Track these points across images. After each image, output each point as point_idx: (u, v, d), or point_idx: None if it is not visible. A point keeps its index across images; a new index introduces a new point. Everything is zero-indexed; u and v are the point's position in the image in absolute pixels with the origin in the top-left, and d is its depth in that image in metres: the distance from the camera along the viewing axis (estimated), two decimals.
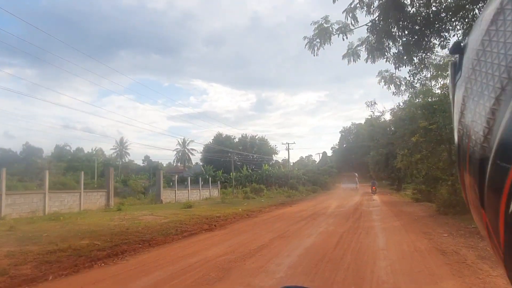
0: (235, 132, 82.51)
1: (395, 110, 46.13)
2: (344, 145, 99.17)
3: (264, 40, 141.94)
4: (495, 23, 0.48)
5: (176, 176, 36.03)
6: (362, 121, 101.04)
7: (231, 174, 73.76)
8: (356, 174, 65.52)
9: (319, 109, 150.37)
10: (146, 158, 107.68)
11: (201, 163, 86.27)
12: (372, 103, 27.82)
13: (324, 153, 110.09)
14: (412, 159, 27.82)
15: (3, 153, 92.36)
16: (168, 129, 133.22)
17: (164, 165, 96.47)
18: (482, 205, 0.47)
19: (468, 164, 0.55)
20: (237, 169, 75.32)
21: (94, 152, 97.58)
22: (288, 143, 69.19)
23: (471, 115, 0.53)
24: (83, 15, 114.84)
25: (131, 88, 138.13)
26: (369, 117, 47.32)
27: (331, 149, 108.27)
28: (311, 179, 69.03)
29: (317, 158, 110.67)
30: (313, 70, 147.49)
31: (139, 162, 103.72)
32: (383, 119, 49.33)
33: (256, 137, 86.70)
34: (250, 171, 71.49)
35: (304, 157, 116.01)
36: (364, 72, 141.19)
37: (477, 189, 0.49)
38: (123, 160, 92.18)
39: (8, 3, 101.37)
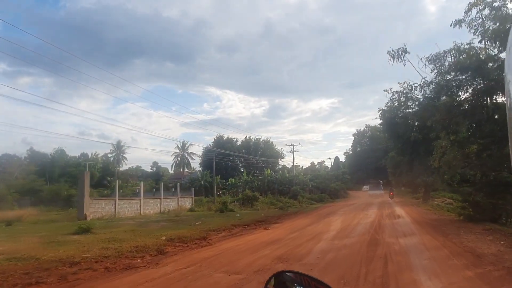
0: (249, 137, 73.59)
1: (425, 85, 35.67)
2: (358, 149, 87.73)
3: (277, 46, 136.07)
4: None
5: (142, 184, 25.91)
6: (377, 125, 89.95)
7: (229, 180, 63.72)
8: (381, 181, 59.03)
9: (332, 115, 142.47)
10: (155, 164, 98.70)
11: (200, 168, 76.49)
12: (401, 53, 17.11)
13: (337, 158, 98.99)
14: (465, 151, 17.20)
15: (8, 158, 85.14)
16: (182, 136, 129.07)
17: (172, 171, 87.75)
18: None
19: None
20: (239, 174, 64.99)
21: (95, 157, 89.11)
22: (293, 145, 58.69)
23: None
24: (99, 25, 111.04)
25: (145, 96, 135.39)
26: (386, 107, 36.58)
27: (344, 154, 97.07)
28: (319, 186, 58.17)
29: (330, 164, 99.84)
30: (327, 76, 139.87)
31: (147, 168, 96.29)
32: (406, 105, 38.43)
33: (261, 139, 76.33)
34: (250, 176, 61.09)
35: (315, 162, 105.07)
36: (378, 78, 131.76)
37: None
38: (120, 165, 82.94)
39: (27, 14, 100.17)
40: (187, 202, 29.32)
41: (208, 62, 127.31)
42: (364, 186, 74.66)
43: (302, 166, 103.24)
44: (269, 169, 60.86)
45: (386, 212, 23.07)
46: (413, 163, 35.46)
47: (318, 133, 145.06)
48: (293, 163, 59.37)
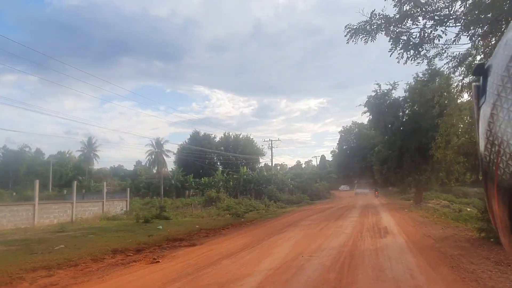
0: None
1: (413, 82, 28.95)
2: (344, 147, 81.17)
3: (266, 46, 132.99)
4: None
5: (37, 183, 18.88)
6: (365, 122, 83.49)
7: (202, 179, 56.66)
8: (366, 181, 59.93)
9: (321, 115, 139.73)
10: (138, 163, 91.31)
11: (175, 167, 69.28)
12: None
13: (323, 157, 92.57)
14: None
15: None
16: (170, 135, 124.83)
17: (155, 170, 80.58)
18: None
19: (496, 191, 0.50)
20: (216, 173, 57.94)
21: (69, 155, 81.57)
22: (271, 140, 51.90)
23: (498, 142, 0.49)
24: (86, 22, 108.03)
25: (133, 95, 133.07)
26: (375, 93, 29.88)
27: (331, 152, 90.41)
28: (299, 186, 51.43)
29: (317, 163, 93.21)
30: (315, 76, 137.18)
31: (131, 167, 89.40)
32: (392, 96, 31.79)
33: (240, 136, 69.39)
34: (225, 175, 54.14)
35: (302, 162, 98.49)
36: (366, 79, 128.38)
37: (507, 217, 0.48)
38: (94, 164, 75.41)
39: (13, 11, 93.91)
40: (118, 206, 22.26)
41: (197, 61, 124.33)
42: (342, 186, 71.29)
43: (286, 165, 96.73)
44: (245, 167, 53.90)
45: (368, 221, 16.25)
46: (403, 158, 28.80)
47: (307, 133, 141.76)
48: (271, 161, 52.61)
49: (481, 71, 0.56)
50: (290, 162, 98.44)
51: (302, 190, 49.69)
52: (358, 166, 74.12)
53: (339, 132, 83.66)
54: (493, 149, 0.49)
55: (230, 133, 69.14)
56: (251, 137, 68.12)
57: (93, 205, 20.25)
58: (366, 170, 64.65)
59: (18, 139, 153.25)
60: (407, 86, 29.54)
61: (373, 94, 30.10)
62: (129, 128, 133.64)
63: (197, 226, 15.77)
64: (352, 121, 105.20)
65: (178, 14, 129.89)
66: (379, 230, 12.95)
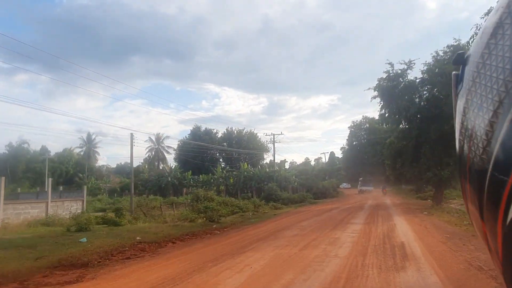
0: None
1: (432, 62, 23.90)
2: (354, 143, 75.73)
3: (276, 43, 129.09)
4: (494, 36, 0.43)
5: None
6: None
7: (200, 176, 52.24)
8: (371, 178, 56.68)
9: (331, 112, 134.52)
10: (146, 161, 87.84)
11: (176, 164, 65.03)
12: None
13: (332, 153, 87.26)
14: None
15: None
16: (180, 133, 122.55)
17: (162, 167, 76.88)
18: (482, 216, 0.46)
19: (468, 175, 0.50)
20: (218, 168, 53.39)
21: (70, 152, 78.15)
22: (274, 134, 47.12)
23: (471, 126, 0.49)
24: (96, 21, 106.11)
25: (143, 93, 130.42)
26: (386, 74, 24.78)
27: (341, 149, 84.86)
28: (305, 183, 46.57)
29: (325, 160, 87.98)
30: (325, 73, 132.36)
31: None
32: (408, 77, 26.59)
33: (244, 131, 64.72)
34: (225, 172, 49.64)
35: (310, 159, 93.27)
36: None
37: (477, 200, 0.47)
38: (91, 161, 71.80)
39: (23, 11, 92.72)
40: (71, 207, 17.84)
41: (206, 59, 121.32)
42: (343, 184, 67.49)
43: (295, 163, 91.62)
44: (246, 164, 49.29)
45: (377, 232, 11.37)
46: (420, 150, 23.71)
47: (317, 130, 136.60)
48: (274, 156, 47.75)
49: (461, 60, 0.50)
50: (300, 160, 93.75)
51: (307, 188, 44.88)
52: (368, 162, 68.66)
53: (348, 127, 78.27)
54: (466, 133, 0.41)
55: (233, 128, 64.47)
56: (255, 132, 63.22)
57: (32, 206, 15.88)
58: (377, 167, 59.30)
59: (30, 138, 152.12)
60: (425, 67, 24.38)
61: (385, 75, 25.06)
62: (139, 126, 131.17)
63: (138, 238, 11.21)
64: (363, 115, 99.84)
65: (187, 11, 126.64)
66: (393, 252, 8.11)
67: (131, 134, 24.31)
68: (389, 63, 24.63)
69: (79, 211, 18.11)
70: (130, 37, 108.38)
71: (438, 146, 22.43)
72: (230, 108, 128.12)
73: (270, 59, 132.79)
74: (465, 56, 0.63)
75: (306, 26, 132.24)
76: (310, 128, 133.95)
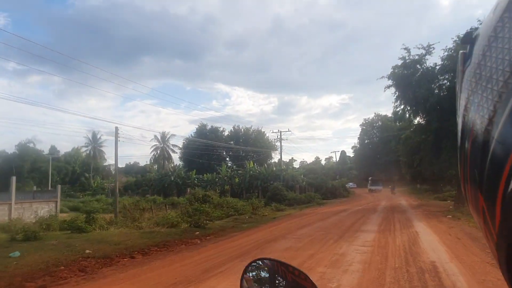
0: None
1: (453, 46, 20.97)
2: (366, 141, 72.43)
3: (287, 43, 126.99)
4: (509, 10, 0.44)
5: None
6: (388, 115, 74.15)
7: (204, 175, 49.81)
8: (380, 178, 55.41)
9: (343, 112, 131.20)
10: (153, 160, 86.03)
11: (181, 162, 62.78)
12: None
13: (343, 152, 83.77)
14: None
15: None
16: (190, 133, 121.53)
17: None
18: (481, 189, 0.46)
19: (470, 148, 0.51)
20: (223, 167, 50.91)
21: (77, 151, 76.82)
22: (280, 131, 44.37)
23: (478, 100, 0.49)
24: (107, 22, 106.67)
25: (154, 93, 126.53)
26: (402, 61, 21.79)
27: (352, 148, 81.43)
28: (313, 183, 43.65)
29: (336, 159, 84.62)
30: (337, 72, 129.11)
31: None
32: (426, 64, 23.60)
33: (251, 128, 62.11)
34: (229, 171, 47.11)
35: (321, 158, 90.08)
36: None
37: (477, 173, 0.47)
38: (97, 160, 70.18)
39: (36, 13, 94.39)
40: (43, 209, 15.46)
41: (217, 59, 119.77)
42: (349, 183, 62.81)
43: (306, 162, 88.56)
44: (252, 162, 46.64)
45: (396, 245, 8.54)
46: (441, 146, 20.78)
47: (328, 130, 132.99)
48: (280, 154, 44.92)
49: (469, 40, 0.54)
50: (310, 160, 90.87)
51: (316, 188, 41.97)
52: (381, 161, 65.36)
53: (360, 125, 74.95)
54: (472, 108, 0.48)
55: (240, 126, 61.90)
56: (262, 130, 60.50)
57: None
58: (390, 166, 56.12)
59: (43, 138, 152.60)
60: (445, 54, 21.36)
61: (400, 63, 22.13)
62: (149, 126, 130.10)
63: (87, 251, 8.69)
64: (375, 112, 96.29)
65: (198, 11, 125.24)
66: (423, 282, 5.36)
67: (116, 127, 21.92)
68: (405, 48, 21.69)
69: (54, 212, 15.72)
70: (141, 37, 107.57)
71: None
72: (240, 108, 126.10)
73: (281, 58, 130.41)
74: (474, 35, 0.60)
75: (318, 25, 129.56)
76: (321, 127, 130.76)
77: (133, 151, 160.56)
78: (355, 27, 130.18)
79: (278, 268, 1.14)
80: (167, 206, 22.10)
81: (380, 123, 72.70)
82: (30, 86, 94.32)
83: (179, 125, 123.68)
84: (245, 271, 1.21)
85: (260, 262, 1.22)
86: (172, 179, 48.50)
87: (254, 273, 1.23)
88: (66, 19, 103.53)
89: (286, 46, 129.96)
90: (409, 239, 9.47)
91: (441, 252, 7.65)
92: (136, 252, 9.08)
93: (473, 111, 0.49)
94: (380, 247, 8.34)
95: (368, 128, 73.79)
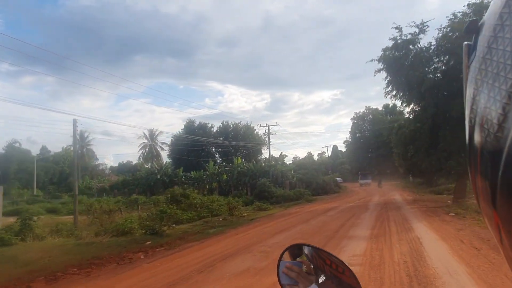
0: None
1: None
2: (358, 135, 70.21)
3: (278, 39, 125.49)
4: None
5: None
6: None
7: (192, 173, 47.19)
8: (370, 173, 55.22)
9: (335, 107, 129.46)
10: (142, 158, 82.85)
11: (169, 160, 59.98)
12: None
13: (335, 147, 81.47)
14: None
15: None
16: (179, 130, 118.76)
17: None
18: (494, 205, 0.43)
19: (479, 159, 0.45)
20: (213, 165, 48.24)
21: (66, 151, 73.59)
22: (268, 125, 41.88)
23: (485, 100, 0.44)
24: (99, 22, 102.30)
25: (147, 92, 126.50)
26: (393, 42, 19.34)
27: (344, 142, 79.13)
28: (303, 178, 41.18)
29: (328, 154, 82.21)
30: (328, 68, 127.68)
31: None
32: (420, 44, 21.17)
33: (240, 123, 59.51)
34: (216, 168, 44.50)
35: (313, 153, 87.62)
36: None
37: (489, 187, 0.42)
38: (85, 159, 67.14)
39: (28, 14, 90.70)
40: None
41: (209, 57, 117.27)
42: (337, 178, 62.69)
43: (298, 157, 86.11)
44: (239, 158, 44.10)
45: (395, 263, 6.01)
46: (439, 134, 18.35)
47: (320, 125, 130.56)
48: (269, 149, 42.43)
49: (473, 29, 0.50)
50: (303, 155, 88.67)
51: (306, 183, 39.54)
52: (373, 155, 63.23)
53: (351, 119, 72.69)
54: (478, 110, 0.42)
55: (229, 122, 59.24)
56: (252, 125, 57.87)
57: None
58: (383, 159, 53.93)
59: (37, 139, 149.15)
60: (440, 34, 18.87)
61: (391, 44, 19.63)
62: (144, 125, 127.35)
63: None
64: (366, 106, 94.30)
65: (189, 10, 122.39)
66: None
67: (74, 120, 19.22)
68: (397, 27, 19.16)
69: None
70: (133, 36, 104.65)
71: (462, 127, 16.96)
72: (233, 105, 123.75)
73: (273, 55, 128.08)
74: (479, 24, 0.52)
75: (308, 22, 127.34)
76: (314, 123, 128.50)
77: (125, 149, 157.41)
78: (344, 23, 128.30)
79: (318, 256, 1.06)
80: (139, 206, 19.46)
81: (371, 116, 70.54)
82: (23, 86, 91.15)
83: (173, 124, 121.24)
84: (282, 255, 1.12)
85: (302, 248, 1.11)
86: (159, 177, 45.80)
87: (291, 259, 1.11)
88: (58, 19, 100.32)
89: (277, 43, 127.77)
90: (411, 251, 6.95)
91: (461, 275, 5.13)
92: (41, 278, 6.48)
93: (479, 113, 0.43)
94: (372, 268, 5.80)
95: (359, 122, 71.58)
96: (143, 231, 11.37)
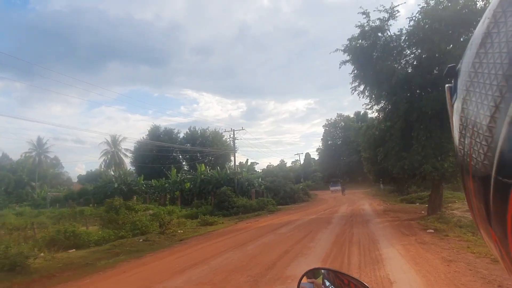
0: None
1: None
2: (329, 142, 67.83)
3: (252, 49, 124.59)
4: (483, 46, 0.45)
5: None
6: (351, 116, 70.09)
7: (153, 181, 43.01)
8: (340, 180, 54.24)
9: (309, 116, 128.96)
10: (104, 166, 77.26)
11: (132, 168, 55.36)
12: None
13: (307, 155, 79.02)
14: None
15: None
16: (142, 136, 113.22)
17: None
18: (490, 224, 0.46)
19: (472, 184, 0.50)
20: (177, 171, 44.16)
21: (23, 158, 67.32)
22: (233, 130, 38.47)
23: (470, 134, 0.49)
24: (70, 28, 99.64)
25: (120, 100, 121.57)
26: (360, 29, 16.46)
27: (316, 150, 76.68)
28: (271, 186, 37.81)
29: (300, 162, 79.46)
30: (301, 77, 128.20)
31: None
32: (389, 32, 18.36)
33: (207, 129, 55.80)
34: (179, 175, 40.53)
35: (286, 161, 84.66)
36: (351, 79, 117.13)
37: (484, 208, 0.46)
38: (45, 167, 61.40)
39: None
40: None
41: (183, 65, 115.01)
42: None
43: (272, 165, 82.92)
44: (203, 165, 40.33)
45: None
46: (412, 134, 15.41)
47: (295, 134, 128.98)
48: (234, 155, 38.98)
49: (452, 73, 0.56)
50: (274, 162, 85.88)
51: (274, 192, 36.21)
52: (344, 162, 60.90)
53: (323, 126, 70.38)
54: (466, 142, 0.48)
55: (197, 128, 55.46)
56: (219, 131, 54.24)
57: None
58: (355, 166, 51.55)
59: (5, 147, 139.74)
60: (411, 22, 16.08)
61: (358, 31, 16.71)
62: (118, 132, 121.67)
63: None
64: (337, 113, 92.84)
65: (163, 18, 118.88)
66: None
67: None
68: (363, 13, 16.25)
69: None
70: (105, 43, 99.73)
71: (437, 126, 14.16)
72: (208, 113, 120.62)
73: (248, 64, 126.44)
74: (457, 68, 0.62)
75: (282, 32, 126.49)
76: (289, 132, 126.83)
77: (95, 157, 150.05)
78: (317, 34, 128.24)
79: (335, 278, 1.09)
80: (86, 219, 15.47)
81: (343, 123, 68.41)
82: None
83: (147, 132, 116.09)
84: (302, 279, 1.15)
85: (319, 271, 1.15)
86: (116, 186, 41.25)
87: (310, 282, 1.15)
88: (28, 24, 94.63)
89: (252, 52, 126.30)
90: None
91: None
92: None
93: (467, 146, 0.47)
94: None
95: (331, 129, 69.32)
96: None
